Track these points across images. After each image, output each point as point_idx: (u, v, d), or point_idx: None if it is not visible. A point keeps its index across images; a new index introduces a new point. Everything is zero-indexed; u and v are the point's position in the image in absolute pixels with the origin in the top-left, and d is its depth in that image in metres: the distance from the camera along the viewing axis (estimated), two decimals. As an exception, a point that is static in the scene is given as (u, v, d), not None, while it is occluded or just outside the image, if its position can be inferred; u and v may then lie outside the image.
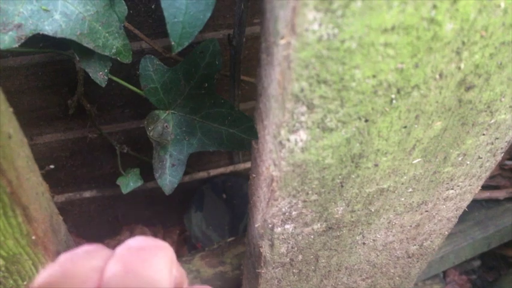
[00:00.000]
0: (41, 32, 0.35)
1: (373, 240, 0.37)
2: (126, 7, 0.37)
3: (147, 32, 0.53)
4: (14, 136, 0.24)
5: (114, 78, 0.44)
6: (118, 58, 0.39)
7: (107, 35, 0.38)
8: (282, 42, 0.21)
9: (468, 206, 0.38)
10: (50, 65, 0.52)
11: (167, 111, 0.45)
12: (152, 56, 0.42)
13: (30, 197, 0.26)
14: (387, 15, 0.21)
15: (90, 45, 0.37)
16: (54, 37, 0.36)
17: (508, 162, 0.74)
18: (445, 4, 0.21)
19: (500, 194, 0.73)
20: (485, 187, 0.73)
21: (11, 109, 0.25)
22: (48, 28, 0.36)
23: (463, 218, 0.70)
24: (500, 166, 0.74)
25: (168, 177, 0.46)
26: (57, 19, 0.36)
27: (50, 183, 0.65)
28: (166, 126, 0.45)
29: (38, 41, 0.45)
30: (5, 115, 0.23)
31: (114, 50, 0.38)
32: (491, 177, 0.74)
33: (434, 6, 0.21)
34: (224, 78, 0.59)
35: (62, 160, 0.63)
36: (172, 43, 0.31)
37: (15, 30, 0.34)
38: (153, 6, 0.51)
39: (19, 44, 0.34)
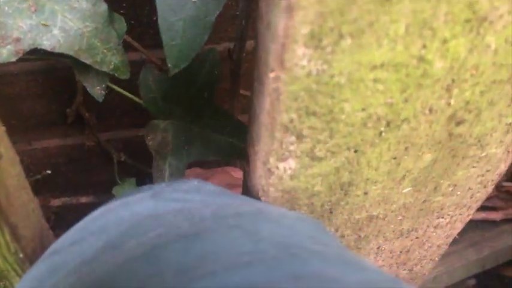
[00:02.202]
0: (39, 47, 0.36)
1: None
2: (125, 24, 0.38)
3: (148, 43, 0.53)
4: (5, 155, 0.24)
5: (114, 87, 0.44)
6: (115, 74, 0.39)
7: (105, 51, 0.38)
8: (272, 75, 0.21)
9: (463, 227, 0.38)
10: (50, 72, 0.52)
11: (166, 121, 0.45)
12: (152, 66, 0.42)
13: (20, 215, 0.26)
14: (377, 53, 0.21)
15: (88, 61, 0.37)
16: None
17: (506, 184, 0.74)
18: (435, 43, 0.21)
19: (496, 216, 0.73)
20: (481, 208, 0.73)
21: (3, 128, 0.25)
22: (47, 43, 0.36)
23: (457, 238, 0.70)
24: (497, 187, 0.74)
25: None
26: (55, 34, 0.36)
27: (46, 188, 0.66)
28: (166, 135, 0.45)
29: (39, 50, 0.45)
30: (-4, 134, 0.24)
31: (111, 66, 0.39)
32: (488, 198, 0.74)
33: (424, 46, 0.21)
34: (223, 91, 0.59)
35: (60, 166, 0.64)
36: (169, 65, 0.32)
37: (13, 44, 0.34)
38: (154, 18, 0.51)
39: (16, 58, 0.34)
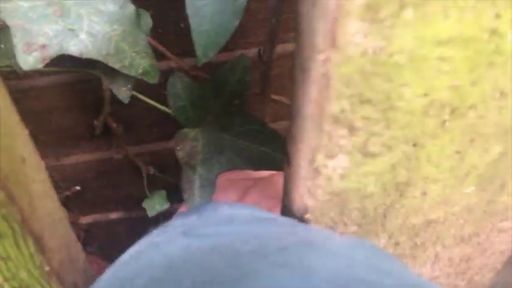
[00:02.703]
0: (66, 53, 0.34)
1: (418, 274, 0.34)
2: (150, 19, 0.36)
3: (176, 51, 0.51)
4: (29, 160, 0.22)
5: (141, 97, 0.43)
6: (144, 78, 0.38)
7: (133, 54, 0.36)
8: (321, 57, 0.18)
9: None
10: (77, 85, 0.51)
11: (196, 130, 0.43)
12: (181, 74, 0.40)
13: (45, 225, 0.24)
14: (443, 26, 0.18)
15: (117, 66, 0.36)
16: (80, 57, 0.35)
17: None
18: (510, 13, 0.18)
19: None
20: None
21: (26, 131, 0.23)
22: (74, 48, 0.34)
23: None
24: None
25: (198, 199, 0.43)
26: (82, 39, 0.34)
27: (76, 204, 0.64)
28: (195, 145, 0.43)
29: (65, 61, 0.44)
30: (18, 137, 0.22)
31: (140, 70, 0.37)
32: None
33: (497, 16, 0.18)
34: (254, 96, 0.57)
35: (88, 181, 0.62)
36: (198, 54, 0.30)
37: (39, 50, 0.33)
38: (182, 25, 0.49)
39: (43, 64, 0.33)
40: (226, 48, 0.50)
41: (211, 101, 0.41)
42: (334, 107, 0.20)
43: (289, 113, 0.25)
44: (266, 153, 0.41)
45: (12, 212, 0.21)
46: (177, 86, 0.41)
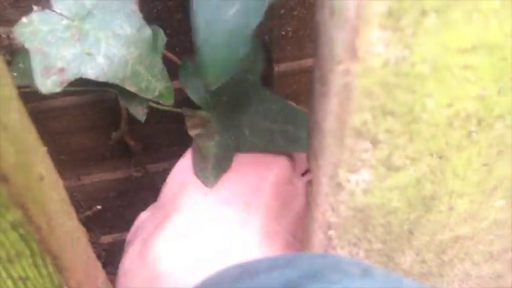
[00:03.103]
0: (83, 76, 0.35)
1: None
2: (164, 36, 0.36)
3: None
4: (47, 177, 0.22)
5: (153, 105, 0.42)
6: (160, 101, 0.38)
7: (150, 77, 0.37)
8: (341, 68, 0.18)
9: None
10: (97, 105, 0.51)
11: (211, 111, 0.41)
12: (189, 56, 0.40)
13: (63, 244, 0.24)
14: (466, 32, 0.17)
15: (133, 89, 0.36)
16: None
17: None
18: (537, 17, 0.18)
19: None
20: None
21: (44, 148, 0.23)
22: (91, 72, 0.35)
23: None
24: None
25: (211, 177, 0.41)
26: (100, 63, 0.35)
27: (96, 224, 0.65)
28: (211, 127, 0.42)
29: (84, 81, 0.44)
30: (36, 154, 0.22)
31: (156, 93, 0.37)
32: None
33: (524, 21, 0.18)
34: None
35: (109, 200, 0.62)
36: (208, 81, 0.29)
37: (58, 74, 0.33)
38: (199, 43, 0.50)
39: (61, 88, 0.33)
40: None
41: (225, 80, 0.39)
42: (355, 120, 0.19)
43: (308, 127, 0.24)
44: (289, 132, 0.38)
45: (31, 231, 0.21)
46: (189, 66, 0.40)
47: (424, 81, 0.18)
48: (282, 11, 0.48)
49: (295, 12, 0.47)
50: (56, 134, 0.52)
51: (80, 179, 0.59)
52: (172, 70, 0.40)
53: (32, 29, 0.32)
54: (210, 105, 0.40)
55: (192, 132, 0.42)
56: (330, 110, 0.20)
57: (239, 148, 0.40)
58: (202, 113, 0.40)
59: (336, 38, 0.18)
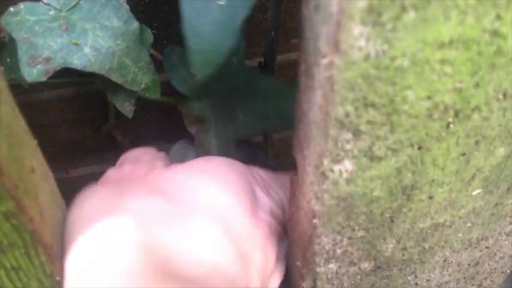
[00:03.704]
0: (69, 66, 0.35)
1: (427, 280, 0.34)
2: (151, 35, 0.37)
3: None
4: (38, 169, 0.23)
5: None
6: (146, 94, 0.38)
7: (136, 70, 0.37)
8: (325, 61, 0.19)
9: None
10: (84, 98, 0.51)
11: (202, 100, 0.41)
12: (173, 46, 0.40)
13: (55, 234, 0.24)
14: (444, 28, 0.18)
15: (119, 80, 0.36)
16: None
17: None
18: (511, 14, 0.19)
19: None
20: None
21: (35, 141, 0.23)
22: (78, 62, 0.35)
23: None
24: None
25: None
26: (86, 53, 0.35)
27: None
28: (204, 116, 0.42)
29: (71, 73, 0.44)
30: (28, 147, 0.22)
31: (142, 86, 0.38)
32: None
33: (498, 17, 0.18)
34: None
35: (96, 193, 0.62)
36: (194, 73, 0.30)
37: (43, 63, 0.33)
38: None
39: (47, 77, 0.33)
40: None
41: None
42: (339, 112, 0.20)
43: (294, 119, 0.25)
44: (281, 107, 0.38)
45: (23, 222, 0.21)
46: (172, 57, 0.40)
47: (404, 74, 0.19)
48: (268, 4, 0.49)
49: (282, 6, 0.48)
50: (43, 126, 0.52)
51: (68, 172, 0.59)
52: (159, 63, 0.40)
53: (19, 19, 0.32)
54: (200, 95, 0.40)
55: (192, 129, 0.42)
56: (315, 102, 0.21)
57: (237, 132, 0.40)
58: (195, 105, 0.40)
59: (320, 32, 0.19)
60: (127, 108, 0.38)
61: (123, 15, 0.34)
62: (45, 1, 0.33)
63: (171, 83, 0.41)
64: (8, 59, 0.38)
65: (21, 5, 0.33)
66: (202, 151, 0.42)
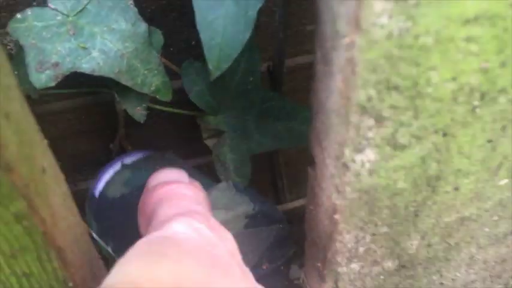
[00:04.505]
0: (78, 70, 0.34)
1: (452, 279, 0.32)
2: (162, 37, 0.36)
3: (189, 70, 0.51)
4: (49, 170, 0.22)
5: (158, 107, 0.42)
6: (157, 96, 0.38)
7: (145, 72, 0.36)
8: (345, 41, 0.18)
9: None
10: (92, 108, 0.51)
11: (218, 116, 0.43)
12: (191, 60, 0.41)
13: (67, 238, 0.23)
14: (469, 3, 0.17)
15: (129, 83, 0.36)
16: (94, 77, 0.35)
17: None
18: (538, -14, 0.18)
19: None
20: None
21: (45, 141, 0.23)
22: (86, 66, 0.35)
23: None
24: None
25: (236, 179, 0.43)
26: (95, 57, 0.35)
27: (94, 230, 0.64)
28: (221, 131, 0.43)
29: (79, 83, 0.44)
30: (38, 147, 0.21)
31: (153, 88, 0.37)
32: None
33: (525, -11, 0.18)
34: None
35: (106, 206, 0.62)
36: (210, 67, 0.29)
37: (52, 68, 0.33)
38: (193, 43, 0.50)
39: (55, 82, 0.33)
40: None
41: (227, 82, 0.41)
42: (360, 96, 0.19)
43: (311, 112, 0.24)
44: (294, 128, 0.41)
45: (35, 223, 0.20)
46: (191, 71, 0.41)
47: (428, 53, 0.18)
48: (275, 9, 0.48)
49: (289, 9, 0.47)
50: (51, 139, 0.51)
51: (76, 184, 0.58)
52: (167, 69, 0.40)
53: (27, 25, 0.32)
54: (217, 110, 0.41)
55: (209, 143, 0.43)
56: (334, 88, 0.20)
57: (251, 150, 0.42)
58: (212, 119, 0.41)
59: (340, 12, 0.18)
60: (138, 113, 0.37)
61: (131, 18, 0.34)
62: (52, 6, 0.33)
63: (188, 95, 0.41)
64: (16, 72, 0.38)
65: (28, 11, 0.32)
66: (220, 165, 0.43)
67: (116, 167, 0.44)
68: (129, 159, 0.44)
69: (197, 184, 0.27)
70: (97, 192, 0.45)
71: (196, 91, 0.40)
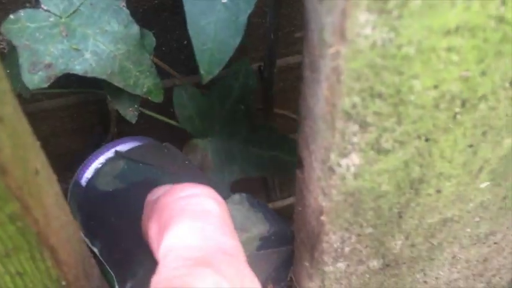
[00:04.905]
0: (70, 72, 0.35)
1: (436, 278, 0.33)
2: (154, 39, 0.36)
3: (180, 69, 0.52)
4: (42, 172, 0.22)
5: (147, 112, 0.43)
6: (149, 97, 0.38)
7: (137, 73, 0.37)
8: (331, 51, 0.19)
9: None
10: (84, 106, 0.51)
11: (205, 139, 0.43)
12: (185, 84, 0.41)
13: (60, 238, 0.24)
14: (450, 15, 0.18)
15: (121, 84, 0.36)
16: (86, 77, 0.35)
17: None
18: (516, -1, 0.19)
19: None
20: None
21: (38, 143, 0.23)
22: (79, 68, 0.35)
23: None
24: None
25: None
26: (87, 58, 0.35)
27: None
28: (206, 154, 0.43)
29: (71, 82, 0.44)
30: (31, 149, 0.22)
31: (145, 89, 0.37)
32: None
33: (504, 2, 0.18)
34: (257, 112, 0.57)
35: (97, 203, 0.62)
36: (202, 72, 0.30)
37: (44, 70, 0.33)
38: (185, 42, 0.50)
39: (48, 84, 0.33)
40: (227, 64, 0.51)
41: (217, 109, 0.42)
42: (345, 103, 0.20)
43: (299, 116, 0.25)
44: (277, 157, 0.41)
45: (29, 223, 0.21)
46: (183, 96, 0.42)
47: (410, 62, 0.19)
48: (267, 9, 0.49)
49: (281, 10, 0.48)
50: (43, 137, 0.51)
51: (68, 182, 0.58)
52: (159, 69, 0.40)
53: (20, 26, 0.32)
54: (203, 134, 0.42)
55: (192, 158, 0.43)
56: (321, 95, 0.21)
57: (232, 175, 0.42)
58: (198, 141, 0.42)
59: (326, 22, 0.19)
60: (130, 113, 0.38)
61: (124, 20, 0.34)
62: (45, 8, 0.33)
63: (177, 118, 0.42)
64: (8, 70, 0.38)
65: (21, 12, 0.32)
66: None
67: (108, 154, 0.39)
68: (123, 147, 0.39)
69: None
70: (84, 180, 0.40)
71: (185, 116, 0.41)
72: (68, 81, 0.44)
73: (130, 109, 0.38)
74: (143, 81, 0.37)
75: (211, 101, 0.40)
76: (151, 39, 0.36)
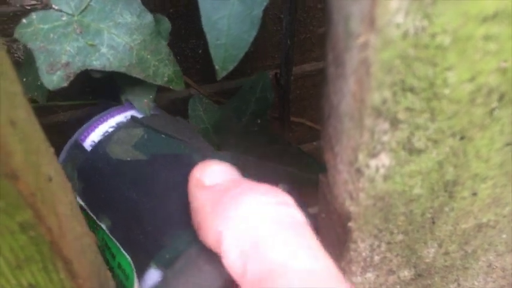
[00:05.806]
0: (89, 68, 0.34)
1: (470, 288, 0.31)
2: (169, 23, 0.36)
3: (195, 78, 0.51)
4: (55, 179, 0.21)
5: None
6: (170, 86, 0.37)
7: (156, 63, 0.36)
8: (359, 41, 0.17)
9: None
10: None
11: (220, 153, 0.42)
12: (201, 95, 0.40)
13: (74, 249, 0.23)
14: (488, 0, 0.17)
15: (141, 76, 0.35)
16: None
17: None
18: (558, -18, 0.17)
19: None
20: None
21: (51, 149, 0.22)
22: (96, 63, 0.34)
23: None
24: None
25: None
26: (104, 53, 0.34)
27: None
28: None
29: (86, 94, 0.44)
30: (44, 155, 0.21)
31: (165, 78, 0.36)
32: None
33: (545, -15, 0.17)
34: (273, 120, 0.56)
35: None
36: (216, 68, 0.29)
37: (62, 69, 0.33)
38: (200, 51, 0.49)
39: (67, 82, 0.33)
40: (244, 72, 0.50)
41: (233, 122, 0.41)
42: (375, 98, 0.19)
43: (322, 117, 0.24)
44: (293, 173, 0.40)
45: (42, 233, 0.20)
46: (198, 108, 0.41)
47: (445, 53, 0.18)
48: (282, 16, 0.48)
49: (296, 16, 0.47)
50: (58, 148, 0.51)
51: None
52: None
53: (33, 29, 0.31)
54: (218, 146, 0.41)
55: None
56: (347, 91, 0.20)
57: None
58: (215, 157, 0.41)
59: (352, 12, 0.17)
60: (145, 105, 0.37)
61: (136, 10, 0.34)
62: (56, 7, 0.32)
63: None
64: (24, 79, 0.38)
65: (33, 15, 0.32)
66: None
67: (119, 118, 0.35)
68: (136, 113, 0.36)
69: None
70: (89, 144, 0.34)
71: (200, 129, 0.40)
72: (83, 93, 0.43)
73: (146, 101, 0.37)
74: (163, 70, 0.36)
75: (227, 114, 0.39)
76: (166, 24, 0.36)
